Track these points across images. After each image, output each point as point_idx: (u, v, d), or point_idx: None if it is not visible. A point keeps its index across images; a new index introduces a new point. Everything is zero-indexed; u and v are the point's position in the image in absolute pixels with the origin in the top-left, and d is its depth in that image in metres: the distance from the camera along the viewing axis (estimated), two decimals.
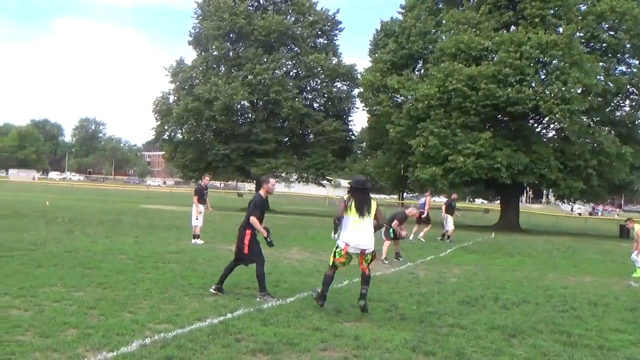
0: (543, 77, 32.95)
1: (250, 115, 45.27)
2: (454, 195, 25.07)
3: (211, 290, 9.11)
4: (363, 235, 8.05)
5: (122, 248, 14.18)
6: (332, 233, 8.46)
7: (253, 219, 8.91)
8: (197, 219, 16.91)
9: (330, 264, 8.41)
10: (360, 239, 8.04)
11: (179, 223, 23.24)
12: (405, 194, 78.20)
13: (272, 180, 9.40)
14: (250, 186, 59.70)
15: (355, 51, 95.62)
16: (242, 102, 43.62)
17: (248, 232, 8.94)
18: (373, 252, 8.22)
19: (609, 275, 14.55)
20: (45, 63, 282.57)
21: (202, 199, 17.15)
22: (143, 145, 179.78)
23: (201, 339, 6.40)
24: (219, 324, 7.15)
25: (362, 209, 8.09)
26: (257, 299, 8.74)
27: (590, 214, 73.59)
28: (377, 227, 8.28)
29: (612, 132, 34.42)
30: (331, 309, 8.41)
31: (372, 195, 8.61)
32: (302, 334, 6.91)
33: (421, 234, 21.95)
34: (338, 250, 8.21)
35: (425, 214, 22.22)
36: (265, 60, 42.49)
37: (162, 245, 15.30)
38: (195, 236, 16.81)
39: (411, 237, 20.90)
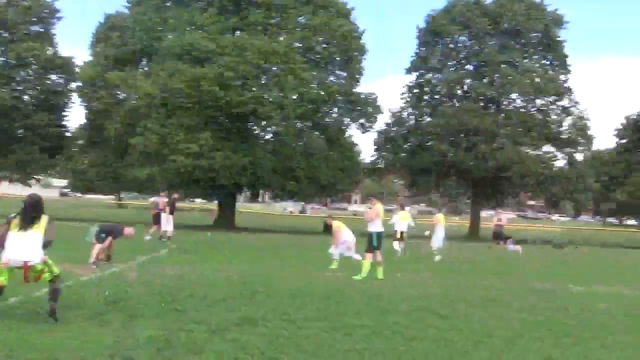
0: (264, 82, 34.58)
1: None
2: (176, 195, 24.76)
3: None
4: (25, 248, 7.85)
5: None
6: None
7: None
8: None
9: None
10: (21, 253, 7.83)
11: None
12: (124, 194, 75.67)
13: None
14: None
15: (74, 43, 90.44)
16: None
17: None
18: (44, 265, 7.96)
19: (309, 268, 15.48)
20: None
21: None
22: None
23: None
24: None
25: (27, 223, 7.96)
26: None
27: (300, 212, 79.23)
28: (46, 243, 8.10)
29: (322, 136, 37.59)
30: (23, 320, 7.72)
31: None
32: None
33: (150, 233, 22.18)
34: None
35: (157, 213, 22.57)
36: None
37: None
38: None
39: (148, 238, 21.38)
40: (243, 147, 33.33)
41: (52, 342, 6.71)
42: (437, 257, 19.99)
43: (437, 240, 21.05)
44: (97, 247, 14.10)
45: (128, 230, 14.91)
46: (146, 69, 37.29)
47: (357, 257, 15.37)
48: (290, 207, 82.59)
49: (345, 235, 15.95)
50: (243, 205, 64.88)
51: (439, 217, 22.06)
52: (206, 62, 32.80)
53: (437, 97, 44.07)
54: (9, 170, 39.76)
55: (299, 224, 48.61)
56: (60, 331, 7.29)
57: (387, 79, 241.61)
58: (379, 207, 14.30)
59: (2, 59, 41.31)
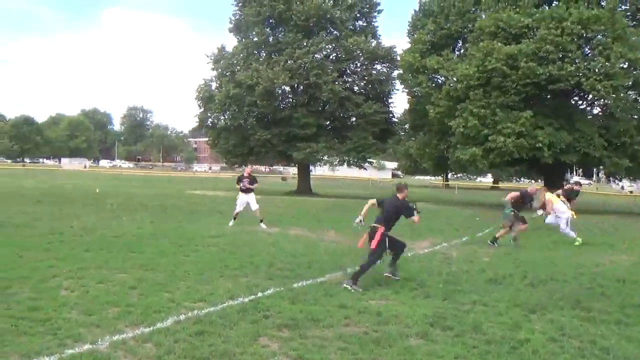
0: (586, 53, 32.27)
1: (291, 99, 45.70)
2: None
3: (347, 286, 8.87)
4: None
5: (165, 232, 14.74)
6: None
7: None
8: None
9: None
10: None
11: (222, 208, 23.82)
12: (450, 175, 77.34)
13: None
14: (294, 170, 60.19)
15: (394, 33, 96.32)
16: (283, 87, 44.04)
17: (380, 230, 9.30)
18: None
19: (633, 256, 14.11)
20: (94, 53, 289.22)
21: (241, 187, 17.78)
22: (189, 132, 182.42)
23: (231, 316, 6.87)
24: (249, 302, 7.61)
25: None
26: (343, 285, 8.79)
27: None
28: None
29: None
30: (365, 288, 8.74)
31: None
32: (327, 311, 7.30)
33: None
34: None
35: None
36: (304, 44, 42.73)
37: (204, 230, 15.80)
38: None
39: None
40: (568, 124, 31.52)
41: (381, 307, 7.57)
42: None
43: None
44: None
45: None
46: (461, 51, 37.70)
47: None
48: (630, 186, 75.26)
49: None
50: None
51: None
52: (522, 38, 31.83)
53: None
54: (347, 154, 44.03)
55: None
56: (390, 299, 8.17)
57: None
58: None
59: (334, 54, 45.90)
